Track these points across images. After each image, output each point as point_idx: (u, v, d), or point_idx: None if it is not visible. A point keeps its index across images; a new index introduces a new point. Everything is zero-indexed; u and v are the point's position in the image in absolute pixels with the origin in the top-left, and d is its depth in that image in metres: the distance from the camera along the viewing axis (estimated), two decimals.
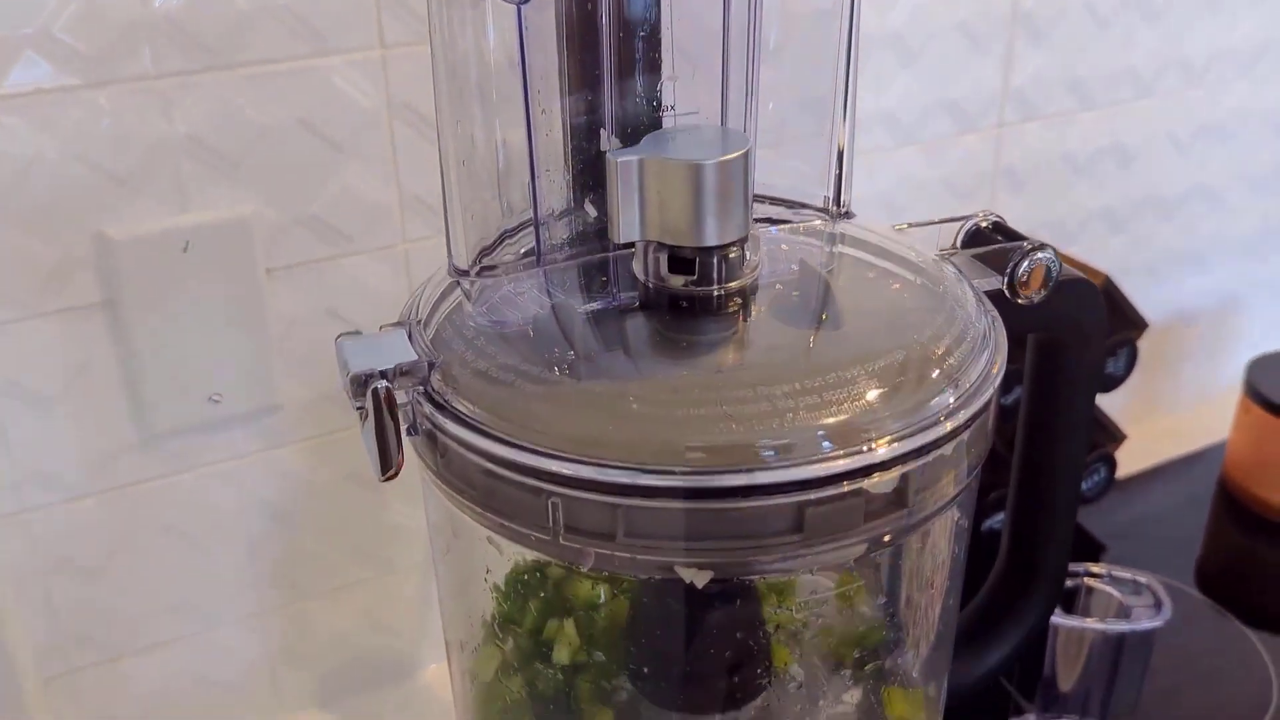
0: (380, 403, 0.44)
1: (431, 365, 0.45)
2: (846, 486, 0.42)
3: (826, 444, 0.42)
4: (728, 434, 0.41)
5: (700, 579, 0.43)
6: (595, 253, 0.50)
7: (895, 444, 0.43)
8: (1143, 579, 0.81)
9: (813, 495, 0.42)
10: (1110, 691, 0.79)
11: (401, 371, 0.45)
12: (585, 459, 0.41)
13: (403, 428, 0.45)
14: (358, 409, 0.45)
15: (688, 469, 0.41)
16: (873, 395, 0.43)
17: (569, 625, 0.51)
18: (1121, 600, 0.80)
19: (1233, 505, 1.04)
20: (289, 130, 0.67)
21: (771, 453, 0.41)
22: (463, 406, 0.44)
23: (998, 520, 0.94)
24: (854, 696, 0.55)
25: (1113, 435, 1.01)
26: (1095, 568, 0.83)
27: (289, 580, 0.78)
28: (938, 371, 0.45)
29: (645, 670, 0.51)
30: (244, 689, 0.80)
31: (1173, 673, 0.84)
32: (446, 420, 0.44)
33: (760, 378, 0.43)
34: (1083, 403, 0.57)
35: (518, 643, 0.54)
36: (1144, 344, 0.97)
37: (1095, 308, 0.55)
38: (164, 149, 0.65)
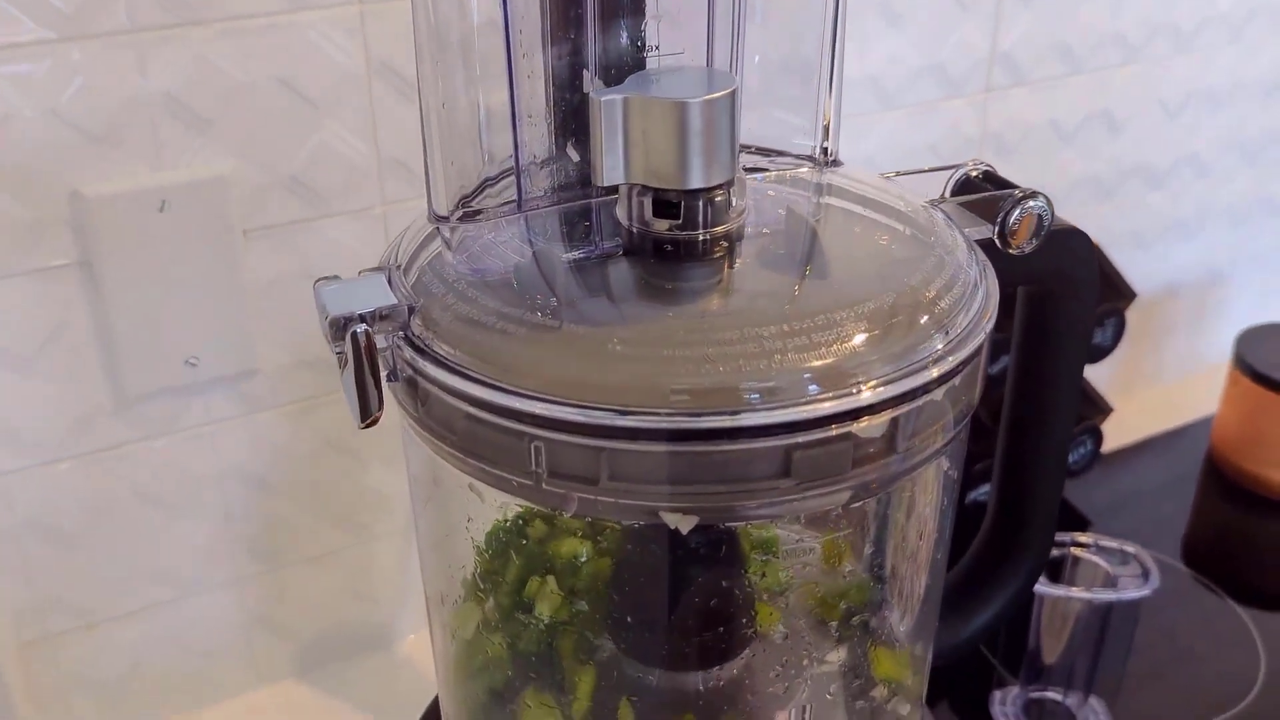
0: (359, 347, 0.43)
1: (411, 309, 0.44)
2: (835, 430, 0.41)
3: (814, 387, 0.41)
4: (713, 376, 0.40)
5: (685, 524, 0.42)
6: (578, 199, 0.49)
7: (884, 388, 0.42)
8: (1130, 549, 0.80)
9: (800, 438, 0.41)
10: (1095, 664, 0.78)
11: (381, 316, 0.44)
12: (568, 401, 0.40)
13: (382, 374, 0.44)
14: (337, 354, 0.44)
15: (672, 411, 0.40)
16: (862, 339, 0.42)
17: (551, 581, 0.50)
18: (1108, 570, 0.80)
19: (1221, 480, 1.03)
20: (266, 88, 0.66)
21: (758, 395, 0.40)
22: (443, 350, 0.43)
23: (983, 492, 0.93)
24: (840, 655, 0.54)
25: (1099, 407, 1.00)
26: (1082, 537, 0.82)
27: (267, 547, 0.77)
28: (927, 316, 0.44)
29: (628, 620, 0.50)
30: (221, 657, 0.79)
31: (1159, 647, 0.84)
32: (427, 364, 0.43)
33: (747, 320, 0.43)
34: (1073, 358, 0.57)
35: (499, 600, 0.53)
36: (1131, 315, 0.96)
37: (1088, 259, 0.55)
38: (139, 106, 0.63)
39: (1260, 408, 0.99)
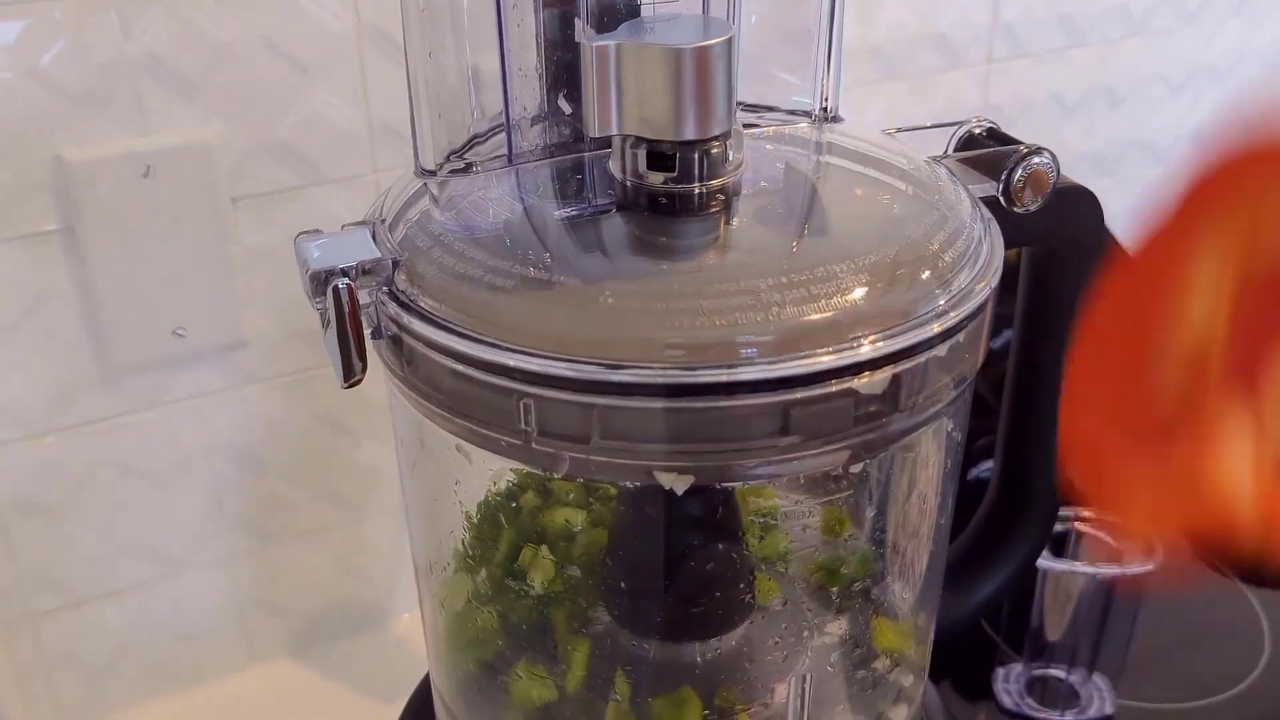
0: (341, 303, 0.41)
1: (396, 263, 0.43)
2: (835, 386, 0.40)
3: (814, 341, 0.39)
4: (709, 330, 0.39)
5: (680, 485, 0.41)
6: (570, 154, 0.47)
7: (886, 342, 0.40)
8: None
9: (800, 394, 0.39)
10: (1099, 641, 0.76)
11: (364, 270, 0.42)
12: (558, 356, 0.39)
13: (366, 331, 0.43)
14: (318, 309, 0.42)
15: (667, 365, 0.38)
16: (862, 292, 0.41)
17: (544, 549, 0.49)
18: (1112, 545, 0.78)
19: None
20: (253, 50, 0.64)
21: (755, 349, 0.39)
22: (429, 305, 0.41)
23: (985, 469, 0.91)
24: (841, 625, 0.52)
25: None
26: (1086, 512, 0.80)
27: (258, 525, 0.76)
28: (930, 271, 0.43)
29: (623, 588, 0.49)
30: (212, 637, 0.77)
31: (1163, 625, 0.82)
32: (412, 319, 0.41)
33: (744, 273, 0.41)
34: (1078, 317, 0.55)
35: (490, 570, 0.51)
36: None
37: (1095, 219, 0.53)
38: (123, 67, 0.62)
39: None
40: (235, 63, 0.64)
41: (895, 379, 0.41)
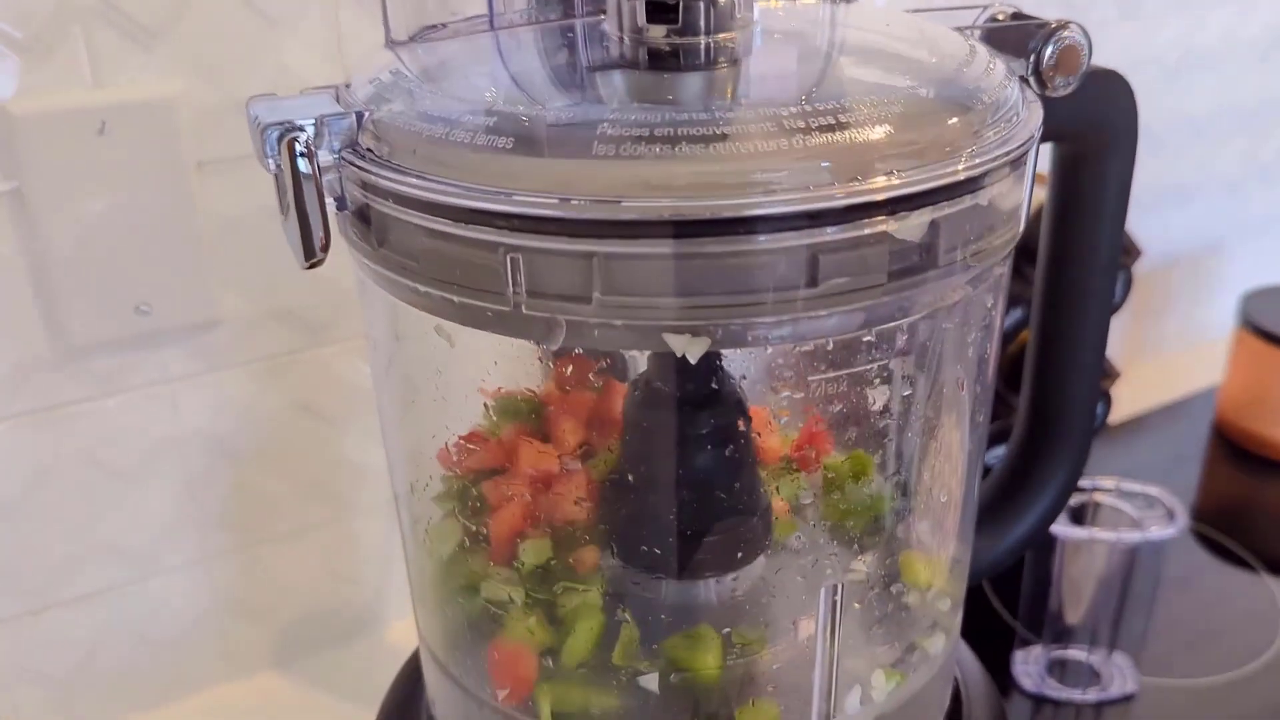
0: (297, 159, 0.35)
1: (361, 116, 0.36)
2: (867, 227, 0.33)
3: (844, 172, 0.33)
4: (725, 160, 0.32)
5: (695, 350, 0.34)
6: (559, 18, 0.41)
7: (923, 179, 0.34)
8: (1153, 491, 0.74)
9: (828, 235, 0.33)
10: (1120, 618, 0.72)
11: (325, 125, 0.36)
12: (549, 194, 0.32)
13: (329, 202, 0.36)
14: (274, 173, 0.36)
15: (679, 198, 0.32)
16: (896, 126, 0.34)
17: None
18: (1132, 515, 0.72)
19: (1230, 447, 0.97)
20: None
21: (779, 178, 0.32)
22: (400, 162, 0.35)
23: (996, 456, 0.85)
24: (875, 540, 0.45)
25: (1108, 372, 0.92)
26: (1105, 482, 0.75)
27: (234, 523, 0.68)
28: (968, 113, 0.36)
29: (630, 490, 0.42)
30: (187, 647, 0.69)
31: (1182, 606, 0.78)
32: (380, 175, 0.35)
33: (764, 103, 0.35)
34: (1113, 226, 0.48)
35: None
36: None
37: (1128, 105, 0.47)
38: (72, 12, 0.56)
39: (1269, 367, 0.92)
40: (197, 10, 0.58)
41: (934, 226, 0.34)
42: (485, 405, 0.47)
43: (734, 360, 0.42)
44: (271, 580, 0.71)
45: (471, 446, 0.46)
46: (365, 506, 0.72)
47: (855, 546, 0.44)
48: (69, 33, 0.56)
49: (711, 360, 0.42)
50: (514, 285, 0.33)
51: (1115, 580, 0.70)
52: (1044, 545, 0.77)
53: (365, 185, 0.36)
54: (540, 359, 0.45)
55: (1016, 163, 0.37)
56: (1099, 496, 0.74)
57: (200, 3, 0.58)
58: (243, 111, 0.60)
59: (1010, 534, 0.52)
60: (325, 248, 0.36)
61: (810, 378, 0.39)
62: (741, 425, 0.43)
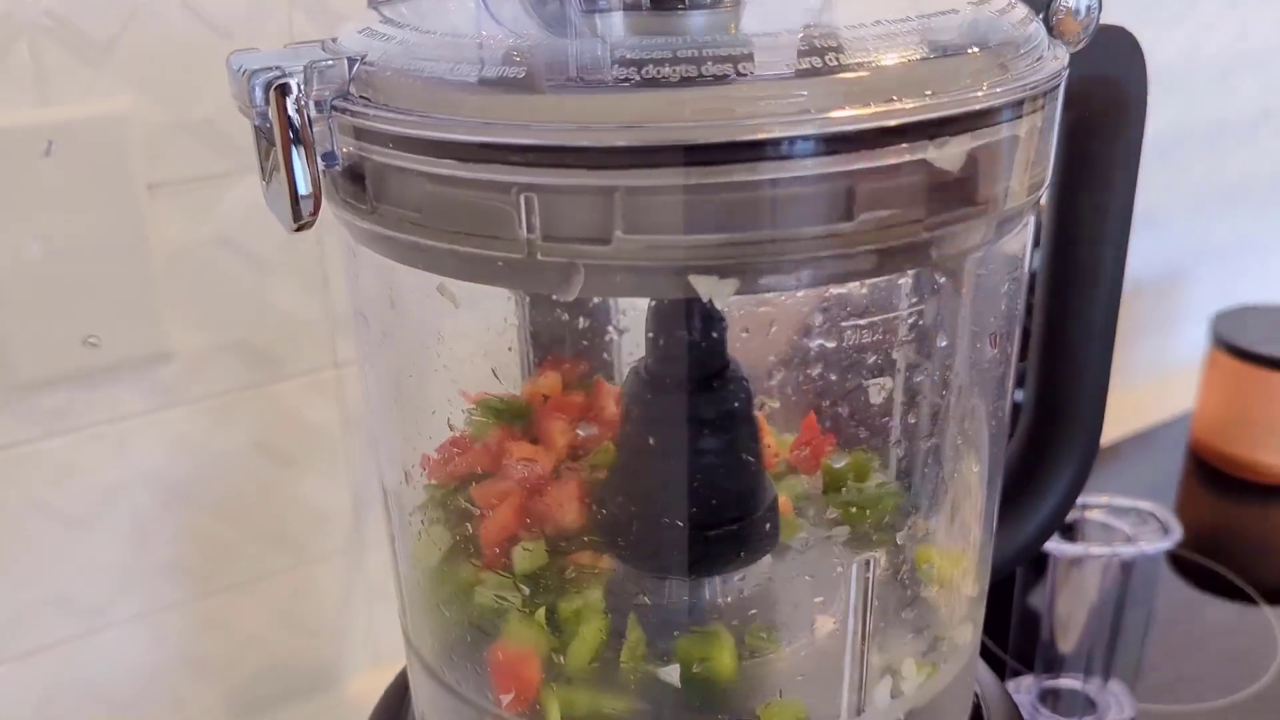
0: (284, 108, 0.32)
1: (354, 62, 0.33)
2: (907, 154, 0.31)
3: (881, 92, 0.31)
4: (755, 83, 0.30)
5: (722, 293, 0.31)
6: None
7: (962, 103, 0.32)
8: (1146, 506, 0.72)
9: (867, 161, 0.30)
10: (1114, 644, 0.69)
11: (317, 74, 0.33)
12: (565, 122, 0.30)
13: (318, 153, 0.33)
14: (258, 126, 0.33)
15: (706, 120, 0.29)
16: (931, 49, 0.32)
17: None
18: (1126, 531, 0.70)
19: (1207, 471, 0.95)
20: (169, 11, 0.56)
21: (812, 98, 0.30)
22: (401, 102, 0.32)
23: None
24: (900, 536, 0.42)
25: None
26: (1094, 499, 0.73)
27: (188, 571, 0.64)
28: (993, 48, 0.34)
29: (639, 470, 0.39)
30: (138, 704, 0.64)
31: (1175, 633, 0.76)
32: (379, 119, 0.32)
33: (789, 24, 0.33)
34: (1123, 191, 0.47)
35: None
36: None
37: (1138, 65, 0.45)
38: (16, 26, 0.53)
39: (1245, 386, 0.91)
40: (148, 24, 0.56)
41: (971, 160, 0.32)
42: (466, 410, 0.44)
43: (750, 321, 0.39)
44: (227, 633, 0.66)
45: (457, 450, 0.43)
46: (324, 553, 0.68)
47: (884, 523, 0.41)
48: (12, 48, 0.53)
49: (718, 328, 0.39)
50: (528, 228, 0.31)
51: (1109, 601, 0.68)
52: (1035, 568, 0.75)
53: (361, 134, 0.33)
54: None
55: (1050, 95, 0.35)
56: (1090, 514, 0.72)
57: (147, 15, 0.55)
58: (196, 131, 0.58)
59: (1026, 525, 0.49)
60: (316, 208, 0.33)
61: (843, 325, 0.37)
62: (749, 409, 0.40)
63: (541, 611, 0.39)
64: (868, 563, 0.37)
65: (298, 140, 0.33)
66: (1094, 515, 0.71)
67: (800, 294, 0.37)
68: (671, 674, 0.38)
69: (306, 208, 0.33)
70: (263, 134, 0.34)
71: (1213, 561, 0.83)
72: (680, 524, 0.39)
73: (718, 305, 0.32)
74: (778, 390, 0.41)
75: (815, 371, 0.40)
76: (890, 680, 0.39)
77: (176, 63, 0.57)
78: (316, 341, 0.64)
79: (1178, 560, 0.83)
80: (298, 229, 0.34)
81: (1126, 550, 0.67)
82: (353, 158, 0.34)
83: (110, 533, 0.61)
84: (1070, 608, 0.69)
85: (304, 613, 0.68)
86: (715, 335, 0.39)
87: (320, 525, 0.67)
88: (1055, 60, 0.36)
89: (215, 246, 0.60)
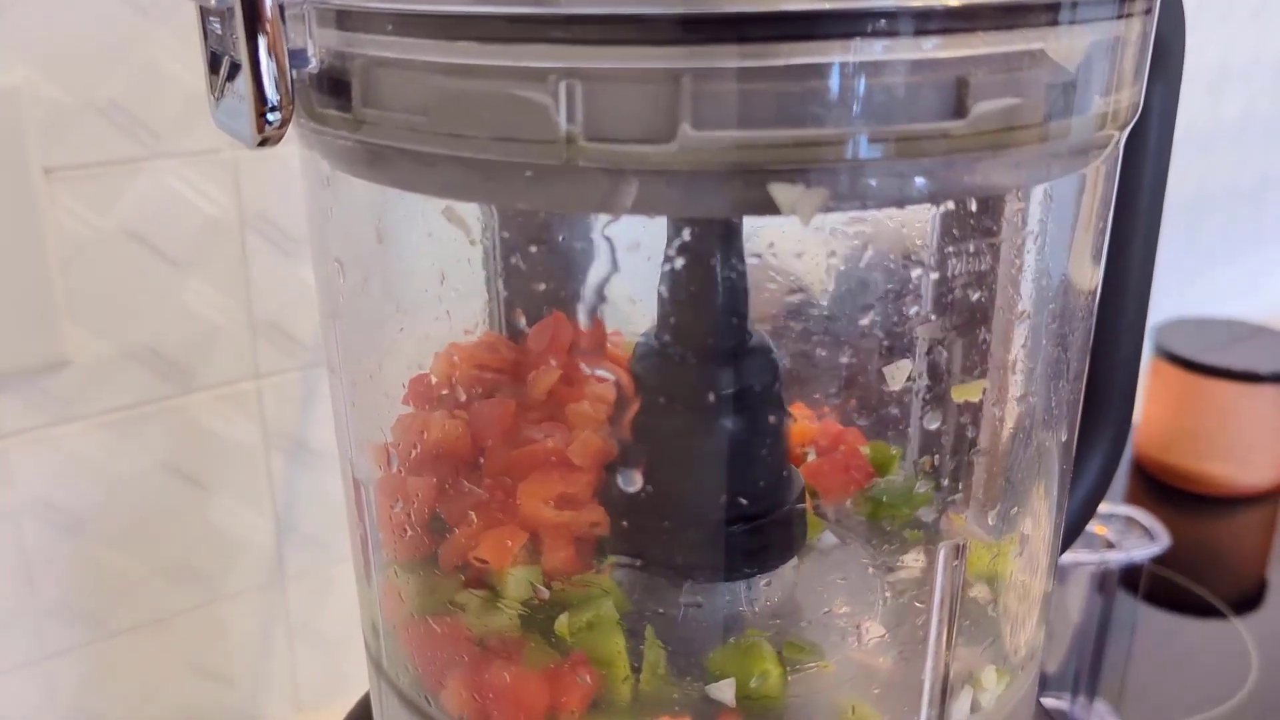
0: None
1: None
2: (1024, 40, 0.25)
3: None
4: None
5: (807, 207, 0.25)
6: None
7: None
8: (1130, 513, 0.68)
9: (979, 47, 0.24)
10: (1099, 662, 0.66)
11: None
12: None
13: (285, 54, 0.26)
14: (216, 11, 0.26)
15: None
16: None
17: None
18: (1109, 539, 0.66)
19: (1152, 483, 0.91)
20: None
21: None
22: None
23: None
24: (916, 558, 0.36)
25: None
26: None
27: (82, 612, 0.55)
28: None
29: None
30: None
31: (1154, 652, 0.72)
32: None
33: None
34: (1157, 152, 0.41)
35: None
36: None
37: (1177, 12, 0.40)
38: None
39: (1190, 396, 0.88)
40: None
41: (1088, 58, 0.27)
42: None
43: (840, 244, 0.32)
44: (127, 682, 0.56)
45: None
46: (240, 588, 0.59)
47: (961, 503, 0.35)
48: None
49: (738, 293, 0.33)
50: (569, 120, 0.24)
51: (1095, 615, 0.65)
52: None
53: (348, 21, 0.26)
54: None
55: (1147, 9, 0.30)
56: None
57: None
58: (103, 112, 0.50)
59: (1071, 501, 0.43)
60: (288, 118, 0.26)
61: (948, 251, 0.30)
62: (776, 386, 0.34)
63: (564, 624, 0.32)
64: (957, 549, 0.31)
65: (262, 30, 0.25)
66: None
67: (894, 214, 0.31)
68: (723, 691, 0.30)
69: (275, 117, 0.26)
70: (213, 26, 0.27)
71: (1181, 576, 0.79)
72: (716, 516, 0.32)
73: (802, 224, 0.25)
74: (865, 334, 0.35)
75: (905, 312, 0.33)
76: (970, 692, 0.32)
77: (80, 34, 0.49)
78: (235, 349, 0.55)
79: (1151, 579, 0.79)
80: (262, 143, 0.26)
81: (1115, 557, 0.63)
82: (333, 55, 0.26)
83: None
84: (1055, 624, 0.65)
85: (216, 657, 0.59)
86: (743, 290, 0.32)
87: (236, 557, 0.58)
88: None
89: (121, 240, 0.52)
